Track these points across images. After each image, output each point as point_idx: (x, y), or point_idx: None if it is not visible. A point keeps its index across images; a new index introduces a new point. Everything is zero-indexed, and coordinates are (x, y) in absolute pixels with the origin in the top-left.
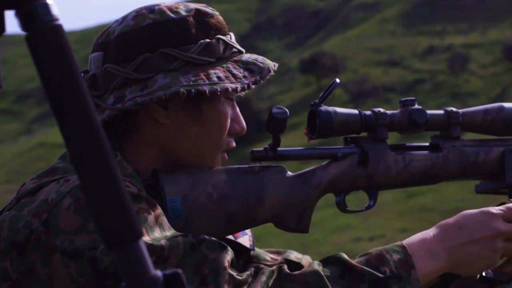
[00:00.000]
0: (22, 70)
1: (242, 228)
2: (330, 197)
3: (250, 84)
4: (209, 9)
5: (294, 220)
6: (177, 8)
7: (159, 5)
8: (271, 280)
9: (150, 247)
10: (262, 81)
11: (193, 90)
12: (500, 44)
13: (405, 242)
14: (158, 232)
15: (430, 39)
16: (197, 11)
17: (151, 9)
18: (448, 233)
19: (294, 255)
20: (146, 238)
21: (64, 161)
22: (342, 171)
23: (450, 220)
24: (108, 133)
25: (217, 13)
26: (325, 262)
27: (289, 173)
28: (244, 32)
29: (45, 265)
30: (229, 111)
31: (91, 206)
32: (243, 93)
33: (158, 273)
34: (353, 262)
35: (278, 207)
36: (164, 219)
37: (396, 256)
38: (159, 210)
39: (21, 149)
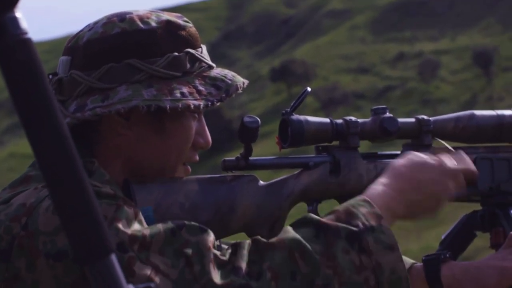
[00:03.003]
0: None
1: (215, 237)
2: (302, 206)
3: (215, 102)
4: (181, 21)
5: (267, 229)
6: (148, 18)
7: (131, 13)
8: (252, 253)
9: (132, 236)
10: (228, 99)
11: (154, 105)
12: (470, 50)
13: (366, 195)
14: (137, 226)
15: (400, 45)
16: (168, 22)
17: (121, 17)
18: (405, 185)
19: None
20: (127, 230)
21: (35, 169)
22: (314, 180)
23: (404, 168)
24: (80, 141)
25: (191, 24)
26: (296, 225)
27: (261, 182)
28: (214, 41)
29: (30, 270)
30: (194, 125)
31: (62, 221)
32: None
33: (131, 287)
34: (324, 220)
35: (250, 216)
36: (142, 218)
37: (363, 210)
38: (137, 210)
39: None
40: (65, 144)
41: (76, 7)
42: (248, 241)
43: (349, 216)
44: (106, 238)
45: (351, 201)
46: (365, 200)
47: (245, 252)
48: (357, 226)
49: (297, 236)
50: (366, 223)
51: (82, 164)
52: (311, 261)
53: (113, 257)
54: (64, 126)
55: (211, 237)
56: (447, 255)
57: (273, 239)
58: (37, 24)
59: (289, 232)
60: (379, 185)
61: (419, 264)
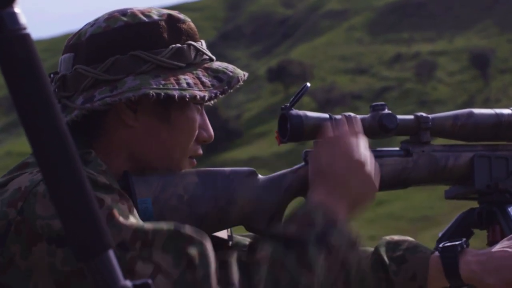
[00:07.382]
0: None
1: (213, 230)
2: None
3: (218, 94)
4: (181, 15)
5: (265, 223)
6: (149, 12)
7: (131, 8)
8: (241, 269)
9: (135, 231)
10: (230, 91)
11: (163, 94)
12: (467, 52)
13: (310, 202)
14: (133, 219)
15: (397, 46)
16: (169, 16)
17: (123, 12)
18: (324, 184)
19: None
20: (131, 226)
21: (33, 156)
22: None
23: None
24: (79, 135)
25: (189, 20)
26: (266, 240)
27: (260, 176)
28: (211, 40)
29: (24, 257)
30: (198, 118)
31: (60, 218)
32: (211, 103)
33: (128, 283)
34: (288, 232)
35: (249, 210)
36: (136, 213)
37: (318, 215)
38: (131, 203)
39: None
40: (63, 139)
41: (67, 9)
42: (235, 256)
43: (307, 219)
44: (104, 234)
45: (303, 208)
46: (315, 206)
47: (235, 269)
48: (319, 226)
49: (272, 250)
50: (326, 223)
51: (79, 157)
52: (289, 270)
53: (111, 253)
54: (62, 121)
55: (209, 242)
56: (464, 245)
57: (255, 256)
58: (32, 24)
59: (265, 248)
60: (314, 195)
61: (437, 254)
